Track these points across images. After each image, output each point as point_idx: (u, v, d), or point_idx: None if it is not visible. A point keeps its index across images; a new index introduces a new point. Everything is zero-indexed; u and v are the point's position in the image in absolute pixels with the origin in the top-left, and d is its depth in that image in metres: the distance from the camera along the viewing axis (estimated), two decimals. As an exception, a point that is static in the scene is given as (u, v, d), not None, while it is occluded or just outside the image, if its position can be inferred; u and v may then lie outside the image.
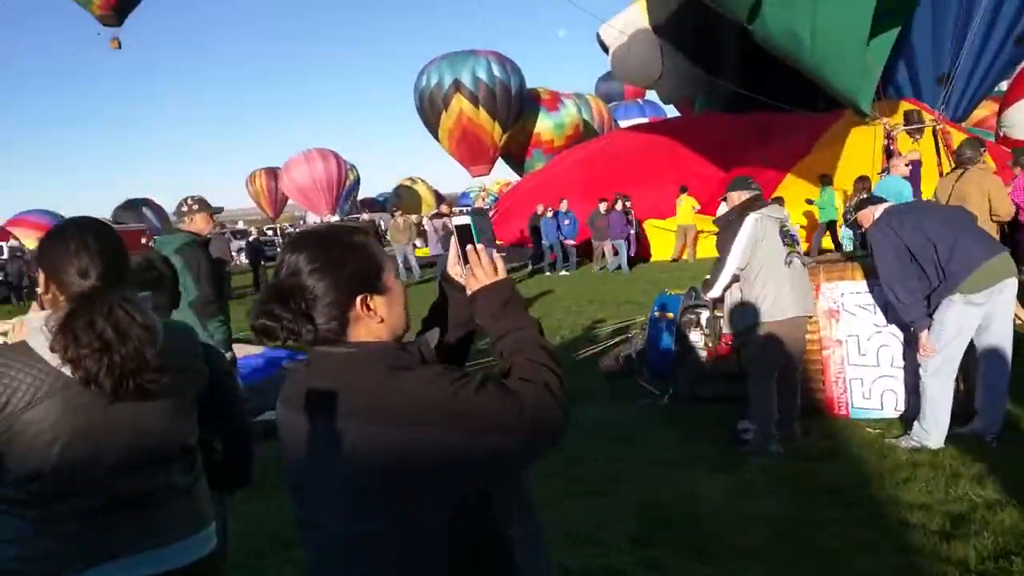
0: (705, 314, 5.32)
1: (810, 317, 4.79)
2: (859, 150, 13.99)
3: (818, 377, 5.31)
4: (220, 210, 5.09)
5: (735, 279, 4.70)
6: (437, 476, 1.34)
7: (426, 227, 25.67)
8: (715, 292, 4.78)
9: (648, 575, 3.40)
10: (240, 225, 49.78)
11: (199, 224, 4.88)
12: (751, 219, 4.65)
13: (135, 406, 1.70)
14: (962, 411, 4.77)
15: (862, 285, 5.20)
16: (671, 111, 28.12)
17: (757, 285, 4.63)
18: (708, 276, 4.92)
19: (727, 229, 4.70)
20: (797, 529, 3.72)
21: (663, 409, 5.78)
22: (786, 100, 15.80)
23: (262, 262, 19.74)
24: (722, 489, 4.29)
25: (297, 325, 1.39)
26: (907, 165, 10.41)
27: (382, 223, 25.53)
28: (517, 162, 34.16)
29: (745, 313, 4.71)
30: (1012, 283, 4.49)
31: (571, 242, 17.44)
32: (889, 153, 11.34)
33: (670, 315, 5.37)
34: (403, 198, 48.68)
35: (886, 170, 11.10)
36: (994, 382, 4.54)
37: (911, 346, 4.86)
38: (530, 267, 18.05)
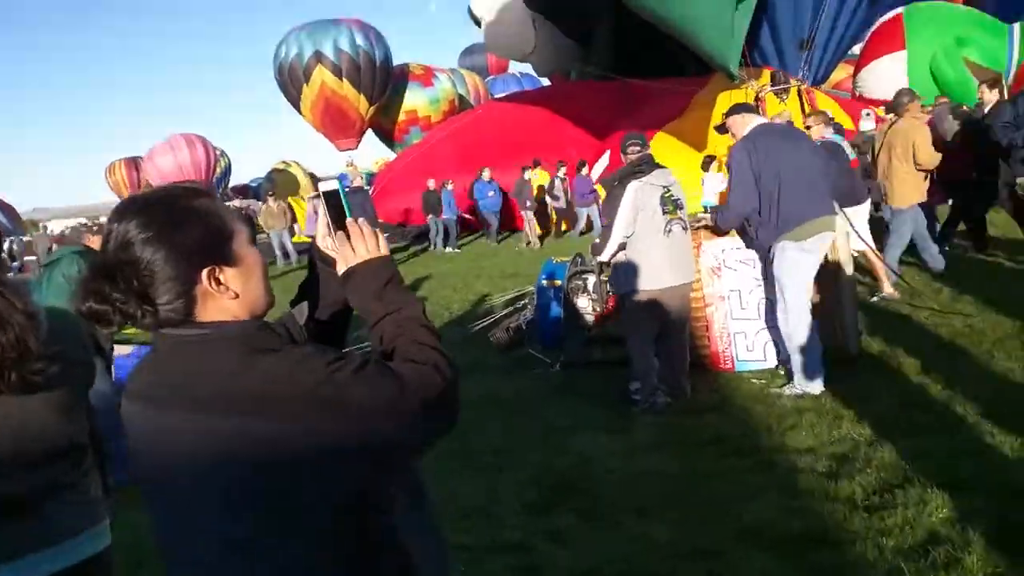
0: (592, 279, 5.30)
1: (690, 284, 4.84)
2: (724, 108, 14.38)
3: (703, 333, 5.39)
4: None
5: (622, 245, 4.72)
6: (313, 471, 1.15)
7: (307, 208, 24.97)
8: (603, 257, 4.80)
9: (548, 545, 3.33)
10: (103, 219, 46.82)
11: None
12: (632, 188, 4.66)
13: (19, 400, 1.53)
14: (843, 354, 5.00)
15: (740, 241, 5.30)
16: (548, 84, 28.22)
17: (635, 253, 4.65)
18: (597, 240, 4.91)
19: (611, 195, 4.73)
20: (687, 483, 3.75)
21: (555, 377, 5.74)
22: (657, 72, 16.10)
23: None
24: (614, 450, 4.27)
25: (131, 306, 1.17)
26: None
27: (254, 211, 24.50)
28: (394, 140, 33.56)
29: (625, 277, 4.74)
30: (830, 237, 4.77)
31: (493, 213, 16.83)
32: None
33: (557, 283, 5.31)
34: (277, 183, 47.03)
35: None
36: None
37: (773, 297, 4.98)
38: (428, 246, 17.66)
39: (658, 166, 4.79)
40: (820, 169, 4.85)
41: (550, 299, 5.28)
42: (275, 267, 17.11)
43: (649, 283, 4.68)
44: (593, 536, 3.37)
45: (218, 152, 41.47)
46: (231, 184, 45.49)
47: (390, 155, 34.47)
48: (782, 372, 5.13)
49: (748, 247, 5.13)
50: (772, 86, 11.73)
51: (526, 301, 6.36)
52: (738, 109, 5.05)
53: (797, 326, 4.68)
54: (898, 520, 3.11)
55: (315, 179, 50.77)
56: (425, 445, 1.33)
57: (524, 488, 3.95)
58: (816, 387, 4.68)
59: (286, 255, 17.80)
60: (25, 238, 32.83)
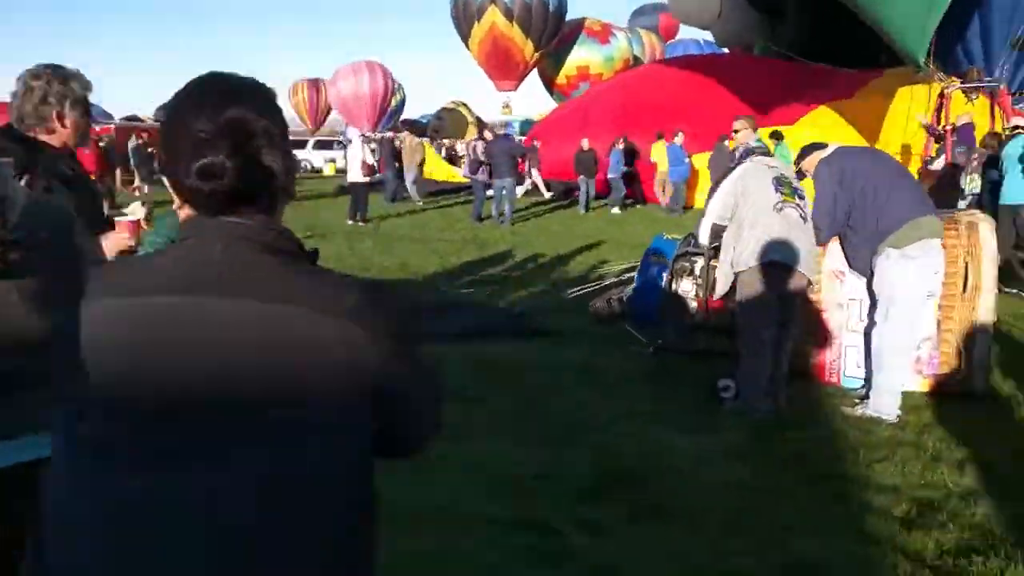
0: (700, 262, 5.00)
1: (807, 279, 4.45)
2: (904, 105, 13.40)
3: (812, 340, 5.00)
4: None
5: (718, 228, 4.43)
6: (368, 401, 1.06)
7: (467, 152, 25.31)
8: (701, 238, 4.56)
9: (581, 534, 3.19)
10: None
11: None
12: (738, 170, 4.44)
13: None
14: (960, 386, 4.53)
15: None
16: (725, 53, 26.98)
17: (742, 235, 4.35)
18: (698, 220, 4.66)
19: (719, 181, 4.49)
20: (751, 498, 3.49)
21: (647, 359, 5.52)
22: (846, 61, 15.05)
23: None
24: (686, 450, 4.04)
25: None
26: (961, 127, 9.83)
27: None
28: (564, 95, 33.33)
29: (737, 256, 4.43)
30: (935, 244, 4.36)
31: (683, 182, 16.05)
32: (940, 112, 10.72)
33: (665, 260, 5.06)
34: (445, 121, 48.09)
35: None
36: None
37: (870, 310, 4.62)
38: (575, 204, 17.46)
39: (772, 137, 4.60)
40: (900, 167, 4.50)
41: (653, 277, 5.04)
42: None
43: (750, 261, 4.35)
44: (629, 535, 3.20)
45: (396, 84, 42.80)
46: (403, 117, 46.93)
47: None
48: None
49: (852, 268, 4.70)
50: (962, 83, 10.60)
51: (635, 275, 6.12)
52: (810, 150, 4.75)
53: (892, 342, 4.31)
54: (967, 590, 2.75)
55: (481, 122, 51.57)
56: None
57: (579, 469, 3.82)
58: (892, 412, 4.33)
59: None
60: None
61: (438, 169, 21.90)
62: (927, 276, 4.33)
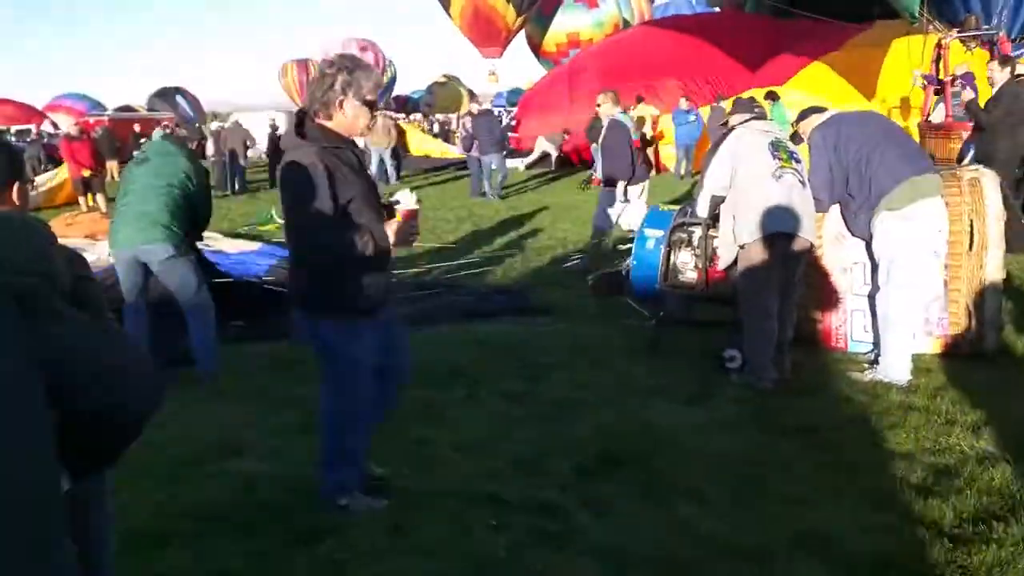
0: (698, 232, 4.87)
1: (809, 243, 4.32)
2: (901, 58, 13.19)
3: (816, 306, 4.89)
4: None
5: (717, 200, 4.31)
6: None
7: (457, 127, 25.04)
8: (699, 211, 4.46)
9: (583, 511, 3.10)
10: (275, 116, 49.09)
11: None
12: (731, 136, 4.33)
13: None
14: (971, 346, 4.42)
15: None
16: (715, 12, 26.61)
17: (741, 205, 4.22)
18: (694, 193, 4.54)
19: (714, 147, 4.36)
20: (756, 471, 3.39)
21: (648, 332, 5.40)
22: (841, 15, 14.79)
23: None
24: (688, 423, 3.94)
25: None
26: (962, 75, 9.62)
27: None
28: (554, 62, 32.94)
29: (737, 228, 4.30)
30: (934, 202, 4.25)
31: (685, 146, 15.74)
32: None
33: (659, 232, 4.93)
34: (437, 96, 47.68)
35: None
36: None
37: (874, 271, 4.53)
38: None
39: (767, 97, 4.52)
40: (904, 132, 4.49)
41: (649, 249, 4.91)
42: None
43: (753, 232, 4.21)
44: (635, 513, 3.10)
45: (387, 61, 42.33)
46: (393, 94, 46.47)
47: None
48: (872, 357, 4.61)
49: (853, 234, 4.59)
50: (959, 32, 10.36)
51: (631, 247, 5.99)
52: (807, 113, 4.66)
53: (898, 305, 4.22)
54: (987, 558, 2.65)
55: (473, 95, 51.13)
56: None
57: (579, 447, 3.71)
58: (903, 376, 4.23)
59: (384, 173, 17.23)
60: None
61: (431, 146, 21.69)
62: (929, 235, 4.21)
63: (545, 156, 19.02)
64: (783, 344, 4.46)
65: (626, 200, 7.46)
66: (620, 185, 7.48)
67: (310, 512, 3.15)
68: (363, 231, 2.76)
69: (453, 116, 37.51)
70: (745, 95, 14.02)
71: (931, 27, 10.68)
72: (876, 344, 4.53)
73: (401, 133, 19.94)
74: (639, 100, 15.93)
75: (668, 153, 16.82)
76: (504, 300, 6.32)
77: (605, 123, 7.75)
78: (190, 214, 4.71)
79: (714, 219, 4.80)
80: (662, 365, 4.82)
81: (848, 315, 4.83)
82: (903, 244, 4.20)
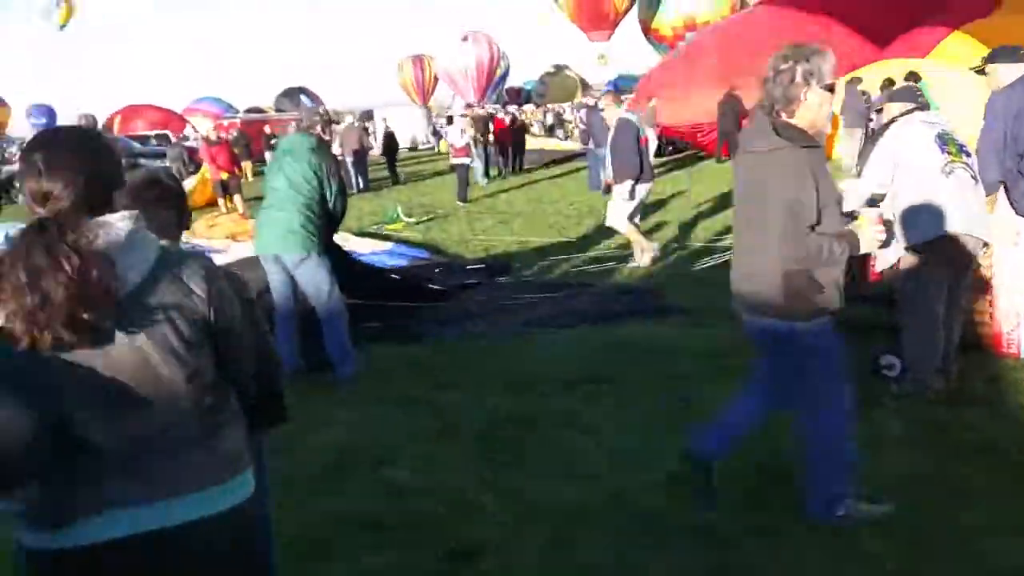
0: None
1: (982, 243, 3.99)
2: None
3: (985, 308, 4.53)
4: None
5: (875, 199, 4.04)
6: None
7: (568, 118, 24.83)
8: (847, 206, 4.19)
9: (761, 547, 2.96)
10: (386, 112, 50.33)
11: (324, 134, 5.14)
12: (891, 131, 4.01)
13: (98, 352, 1.46)
14: None
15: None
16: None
17: (906, 204, 3.93)
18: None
19: (872, 143, 4.07)
20: (935, 495, 3.15)
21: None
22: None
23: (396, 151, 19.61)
24: (857, 438, 3.70)
25: None
26: None
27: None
28: (670, 47, 32.27)
29: (903, 229, 3.98)
30: None
31: None
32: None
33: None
34: (549, 86, 47.61)
35: None
36: None
37: None
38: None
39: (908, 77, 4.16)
40: None
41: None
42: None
43: (924, 234, 3.90)
44: (807, 539, 2.94)
45: (501, 53, 42.62)
46: (506, 86, 46.74)
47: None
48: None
49: (1019, 213, 4.18)
50: None
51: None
52: (1003, 56, 4.22)
53: None
54: None
55: (584, 84, 50.79)
56: None
57: (735, 463, 3.56)
58: None
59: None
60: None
61: (538, 143, 21.59)
62: None
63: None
64: (949, 351, 4.16)
65: (632, 199, 7.47)
66: (627, 183, 7.43)
67: (466, 524, 3.16)
68: (841, 235, 2.76)
69: (567, 106, 37.26)
70: (875, 69, 13.26)
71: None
72: None
73: (522, 127, 19.88)
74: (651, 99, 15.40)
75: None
76: (638, 300, 6.18)
77: (612, 124, 7.68)
78: (323, 212, 4.77)
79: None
80: (814, 372, 4.57)
81: (1022, 319, 4.45)
82: None
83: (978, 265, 4.15)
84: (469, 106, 25.44)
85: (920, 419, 3.85)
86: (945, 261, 3.90)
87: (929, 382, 4.03)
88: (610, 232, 9.70)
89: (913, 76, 12.18)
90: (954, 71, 12.94)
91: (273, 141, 20.87)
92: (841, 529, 2.99)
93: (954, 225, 3.83)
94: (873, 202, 4.26)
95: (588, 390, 4.60)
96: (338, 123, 15.63)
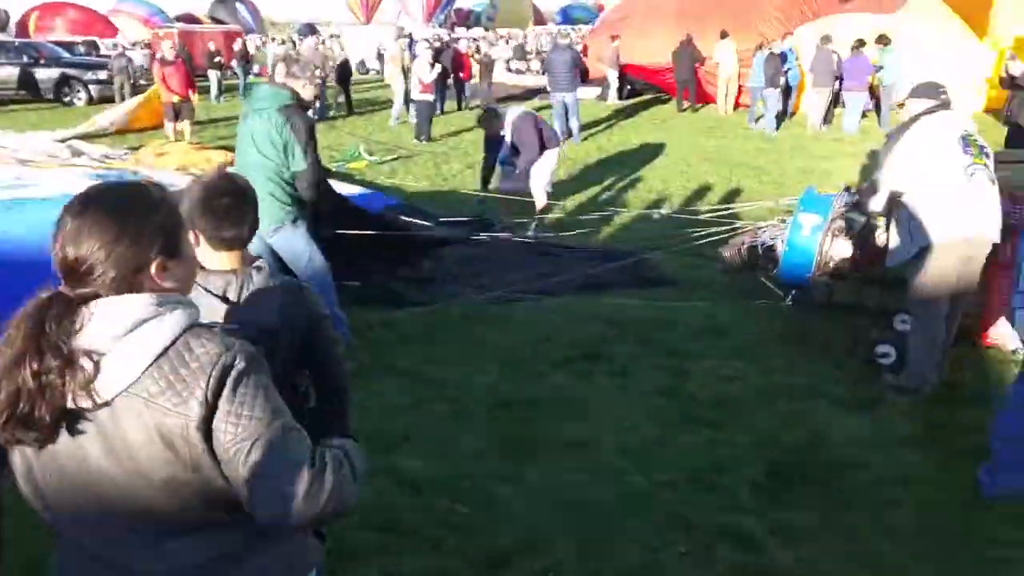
0: (861, 221, 4.62)
1: (994, 243, 4.05)
2: None
3: (977, 302, 4.63)
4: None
5: (893, 199, 4.07)
6: None
7: (529, 48, 24.02)
8: (872, 206, 4.21)
9: (778, 543, 3.02)
10: (333, 28, 48.27)
11: (307, 93, 4.50)
12: (914, 130, 3.99)
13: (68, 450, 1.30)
14: None
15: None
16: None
17: (927, 205, 3.95)
18: (867, 184, 4.26)
19: (890, 140, 4.05)
20: (953, 506, 3.25)
21: (784, 315, 5.23)
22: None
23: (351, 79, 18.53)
24: (858, 435, 3.81)
25: None
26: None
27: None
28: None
29: (916, 231, 4.00)
30: None
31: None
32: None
33: (816, 218, 4.68)
34: (499, 10, 46.33)
35: None
36: None
37: None
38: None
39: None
40: None
41: (806, 238, 4.68)
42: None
43: (953, 230, 3.92)
44: (832, 546, 3.01)
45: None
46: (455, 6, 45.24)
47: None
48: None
49: None
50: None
51: (766, 224, 5.73)
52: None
53: None
54: None
55: (537, 10, 49.47)
56: None
57: (747, 460, 3.62)
58: None
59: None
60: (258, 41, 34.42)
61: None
62: None
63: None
64: (944, 346, 4.26)
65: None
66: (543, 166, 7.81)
67: (492, 525, 3.13)
68: None
69: (527, 35, 36.25)
70: (842, 23, 13.20)
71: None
72: None
73: (490, 65, 18.92)
74: (723, 35, 15.09)
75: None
76: (627, 269, 6.14)
77: (510, 121, 7.74)
78: (291, 180, 4.38)
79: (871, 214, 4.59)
80: (811, 357, 4.66)
81: (1012, 314, 4.58)
82: None
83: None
84: (437, 38, 24.34)
85: (922, 416, 3.96)
86: (958, 262, 3.95)
87: (928, 378, 4.13)
88: (586, 184, 9.62)
89: (883, 39, 12.24)
90: (928, 23, 13.05)
91: (217, 59, 19.76)
92: (859, 535, 3.07)
93: (974, 228, 3.87)
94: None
95: (583, 368, 4.58)
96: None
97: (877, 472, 3.52)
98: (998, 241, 4.03)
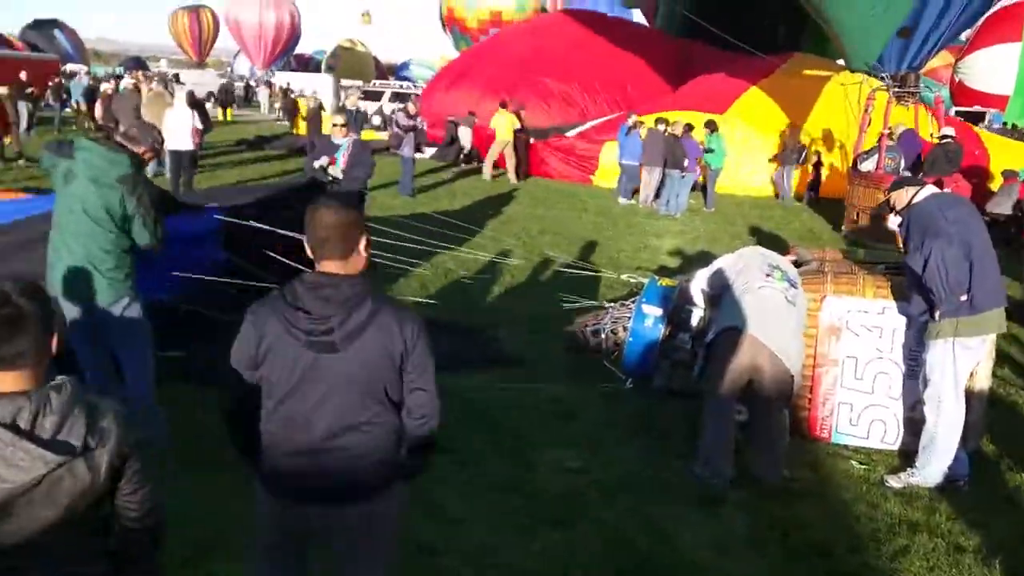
0: (697, 314, 4.77)
1: (790, 375, 4.28)
2: (834, 96, 13.87)
3: (805, 395, 4.85)
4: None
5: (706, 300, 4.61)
6: None
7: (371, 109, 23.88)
8: (695, 298, 4.84)
9: None
10: (163, 65, 46.00)
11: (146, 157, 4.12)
12: (739, 252, 4.69)
13: None
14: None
15: (873, 304, 4.70)
16: (639, 17, 26.82)
17: (721, 305, 4.42)
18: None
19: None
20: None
21: (627, 401, 5.24)
22: (745, 41, 15.14)
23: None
24: (700, 537, 3.79)
25: None
26: (903, 133, 9.95)
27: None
28: (473, 40, 32.42)
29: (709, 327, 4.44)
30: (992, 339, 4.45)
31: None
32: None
33: (658, 310, 4.77)
34: (341, 60, 46.00)
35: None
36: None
37: (913, 376, 4.49)
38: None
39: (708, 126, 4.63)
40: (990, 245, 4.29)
41: (648, 328, 4.74)
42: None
43: (734, 323, 4.26)
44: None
45: (299, 18, 40.31)
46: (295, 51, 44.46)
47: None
48: (883, 458, 4.61)
49: (904, 311, 4.55)
50: (898, 88, 10.69)
51: (609, 306, 5.79)
52: (903, 183, 4.53)
53: (949, 421, 4.23)
54: None
55: (378, 63, 49.60)
56: None
57: (596, 563, 3.51)
58: (933, 478, 4.30)
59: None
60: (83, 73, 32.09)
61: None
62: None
63: (453, 143, 18.17)
64: (777, 455, 4.39)
65: None
66: None
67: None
68: None
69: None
70: (673, 117, 14.16)
71: (878, 76, 10.95)
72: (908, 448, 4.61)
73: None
74: (503, 106, 15.91)
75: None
76: (478, 347, 5.99)
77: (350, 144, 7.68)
78: (129, 249, 3.93)
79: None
80: (653, 448, 4.66)
81: (836, 407, 4.82)
82: (961, 365, 4.21)
83: (786, 396, 4.38)
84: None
85: (764, 515, 4.01)
86: (738, 358, 4.21)
87: (720, 469, 4.27)
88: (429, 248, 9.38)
89: (710, 125, 13.13)
90: (747, 125, 14.38)
91: (30, 90, 18.09)
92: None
93: (751, 327, 4.19)
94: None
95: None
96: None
97: (722, 575, 3.50)
98: (787, 363, 4.22)
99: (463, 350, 5.87)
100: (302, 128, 19.25)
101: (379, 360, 2.17)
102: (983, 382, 4.58)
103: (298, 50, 44.80)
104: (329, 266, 2.21)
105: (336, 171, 7.40)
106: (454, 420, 4.77)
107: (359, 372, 2.16)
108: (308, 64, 46.47)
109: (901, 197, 4.42)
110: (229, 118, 28.39)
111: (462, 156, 17.73)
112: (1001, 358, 6.14)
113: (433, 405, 2.30)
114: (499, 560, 3.48)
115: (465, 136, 17.42)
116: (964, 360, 4.21)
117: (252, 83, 37.65)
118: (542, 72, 17.59)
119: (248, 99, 36.32)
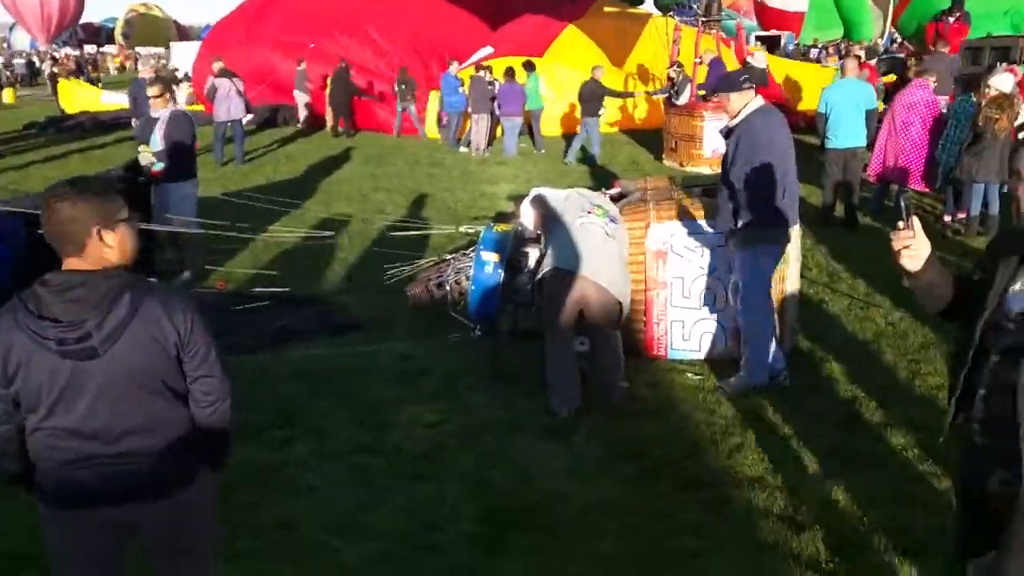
0: (534, 255, 4.87)
1: (618, 303, 4.50)
2: (653, 35, 14.34)
3: (640, 318, 5.11)
4: None
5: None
6: None
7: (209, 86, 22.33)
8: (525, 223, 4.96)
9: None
10: None
11: None
12: (566, 191, 4.88)
13: None
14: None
15: (694, 225, 4.98)
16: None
17: (551, 245, 4.55)
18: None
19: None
20: (649, 525, 3.46)
21: (477, 348, 5.32)
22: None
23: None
24: (559, 467, 3.95)
25: None
26: (712, 61, 10.41)
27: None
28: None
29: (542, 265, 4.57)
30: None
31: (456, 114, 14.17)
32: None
33: (496, 255, 4.83)
34: (136, 27, 42.63)
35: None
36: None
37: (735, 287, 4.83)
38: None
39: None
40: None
41: (490, 272, 4.80)
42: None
43: (559, 263, 4.44)
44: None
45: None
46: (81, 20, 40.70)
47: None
48: (716, 365, 4.96)
49: (715, 226, 4.86)
50: (704, 18, 11.22)
51: (450, 257, 5.82)
52: (733, 85, 4.66)
53: (761, 321, 4.66)
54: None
55: (179, 27, 46.39)
56: None
57: (460, 509, 3.59)
58: (762, 380, 4.67)
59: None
60: None
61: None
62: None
63: (278, 109, 17.39)
64: (615, 377, 4.64)
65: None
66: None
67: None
68: None
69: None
70: (490, 60, 14.20)
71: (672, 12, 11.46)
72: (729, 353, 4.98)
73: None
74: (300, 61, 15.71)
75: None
76: (314, 316, 5.85)
77: (165, 117, 6.66)
78: None
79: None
80: (505, 392, 4.77)
81: (669, 326, 5.11)
82: (770, 267, 4.65)
83: (615, 320, 4.57)
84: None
85: (609, 434, 4.23)
86: (568, 295, 4.40)
87: (568, 396, 4.49)
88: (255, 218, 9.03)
89: (529, 65, 13.27)
90: (566, 66, 14.61)
91: None
92: (576, 567, 3.16)
93: (574, 266, 4.38)
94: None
95: (282, 436, 4.25)
96: None
97: (582, 502, 3.67)
98: (613, 291, 4.43)
99: (301, 322, 5.74)
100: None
101: (150, 355, 2.03)
102: (793, 284, 5.00)
103: (84, 19, 40.96)
104: (73, 263, 2.03)
105: (147, 155, 6.51)
106: (300, 393, 4.72)
107: (129, 372, 2.01)
108: (99, 34, 42.74)
109: (735, 103, 4.60)
110: (11, 100, 25.62)
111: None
112: (809, 260, 6.73)
113: (222, 388, 2.18)
114: (360, 521, 3.49)
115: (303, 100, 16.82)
116: (768, 264, 4.59)
117: (35, 59, 34.16)
118: (365, 22, 16.85)
119: (32, 77, 32.99)
